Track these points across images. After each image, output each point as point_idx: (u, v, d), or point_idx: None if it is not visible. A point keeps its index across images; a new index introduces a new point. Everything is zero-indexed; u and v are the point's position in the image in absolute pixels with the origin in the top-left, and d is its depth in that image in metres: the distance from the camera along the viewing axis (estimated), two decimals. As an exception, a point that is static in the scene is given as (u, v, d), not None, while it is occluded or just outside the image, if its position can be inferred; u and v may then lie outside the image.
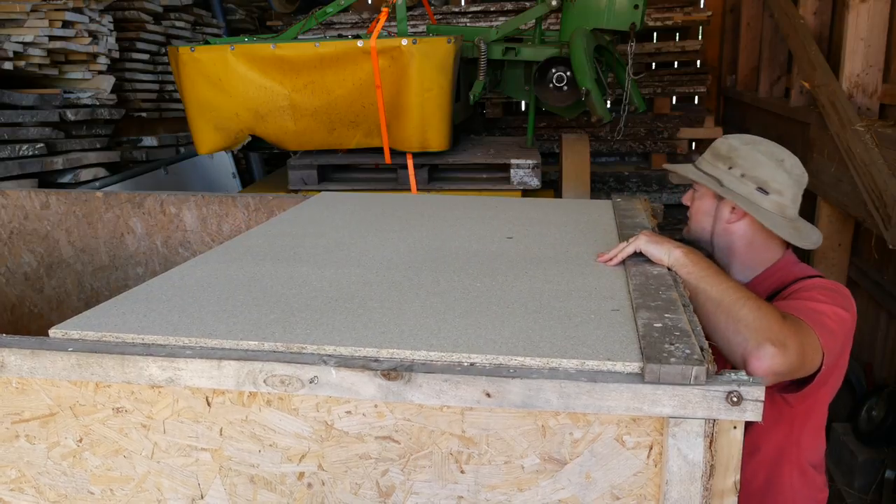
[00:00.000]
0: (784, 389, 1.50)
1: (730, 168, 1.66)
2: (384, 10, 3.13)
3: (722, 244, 1.71)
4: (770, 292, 1.62)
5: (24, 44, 3.31)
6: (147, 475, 1.19)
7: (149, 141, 4.26)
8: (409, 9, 3.82)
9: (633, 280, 1.41)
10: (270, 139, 3.13)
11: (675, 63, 5.42)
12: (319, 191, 2.66)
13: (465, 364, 1.08)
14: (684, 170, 1.78)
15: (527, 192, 3.12)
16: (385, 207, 2.15)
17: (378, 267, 1.56)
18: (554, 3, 3.29)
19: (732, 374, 1.03)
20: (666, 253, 1.48)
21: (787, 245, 1.69)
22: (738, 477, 1.05)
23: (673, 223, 4.46)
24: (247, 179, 4.88)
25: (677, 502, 1.04)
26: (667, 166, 1.88)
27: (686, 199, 1.82)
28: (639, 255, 1.53)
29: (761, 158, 1.65)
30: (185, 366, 1.11)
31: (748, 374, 1.25)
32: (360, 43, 2.89)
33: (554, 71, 3.18)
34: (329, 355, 1.11)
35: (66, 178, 3.47)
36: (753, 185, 1.63)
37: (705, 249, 1.74)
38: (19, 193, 2.56)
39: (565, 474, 1.09)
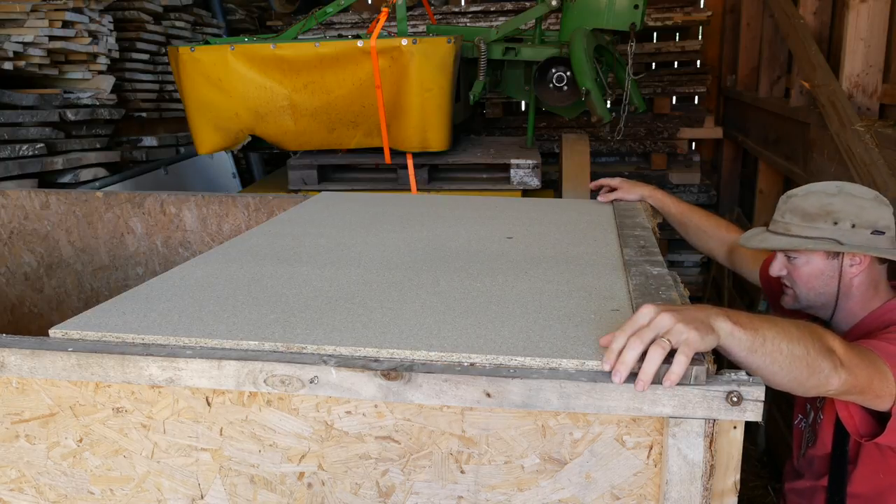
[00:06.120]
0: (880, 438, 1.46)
1: (836, 223, 1.63)
2: (384, 10, 3.13)
3: (844, 299, 1.68)
4: (867, 335, 1.59)
5: (24, 44, 3.30)
6: (147, 475, 1.19)
7: (149, 141, 4.25)
8: (409, 9, 3.81)
9: (633, 280, 1.41)
10: (270, 139, 3.13)
11: (675, 63, 5.42)
12: (319, 191, 2.66)
13: (465, 364, 1.08)
14: (781, 243, 1.68)
15: (527, 192, 3.11)
16: (385, 207, 2.15)
17: (378, 267, 1.56)
18: (554, 3, 3.28)
19: (732, 374, 1.03)
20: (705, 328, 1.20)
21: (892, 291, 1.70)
22: (737, 477, 1.05)
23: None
24: (247, 179, 4.87)
25: (677, 502, 1.04)
26: (749, 244, 1.75)
27: (777, 271, 1.72)
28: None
29: (860, 202, 1.63)
30: (185, 366, 1.11)
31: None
32: (359, 43, 2.89)
33: (554, 71, 3.17)
34: (329, 355, 1.11)
35: (66, 178, 3.47)
36: (868, 230, 1.61)
37: (821, 313, 1.70)
38: (19, 193, 2.56)
39: (565, 474, 1.09)
